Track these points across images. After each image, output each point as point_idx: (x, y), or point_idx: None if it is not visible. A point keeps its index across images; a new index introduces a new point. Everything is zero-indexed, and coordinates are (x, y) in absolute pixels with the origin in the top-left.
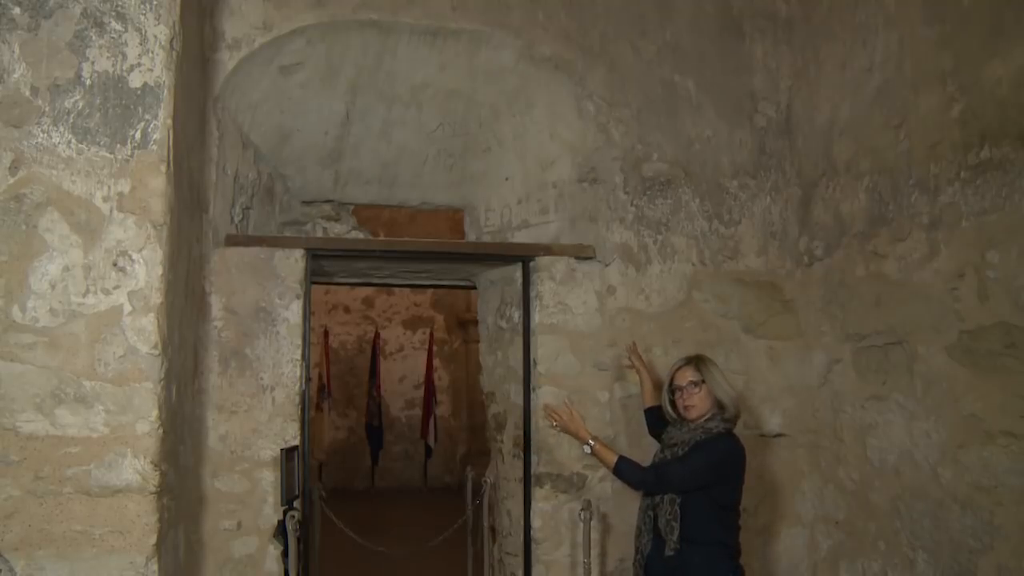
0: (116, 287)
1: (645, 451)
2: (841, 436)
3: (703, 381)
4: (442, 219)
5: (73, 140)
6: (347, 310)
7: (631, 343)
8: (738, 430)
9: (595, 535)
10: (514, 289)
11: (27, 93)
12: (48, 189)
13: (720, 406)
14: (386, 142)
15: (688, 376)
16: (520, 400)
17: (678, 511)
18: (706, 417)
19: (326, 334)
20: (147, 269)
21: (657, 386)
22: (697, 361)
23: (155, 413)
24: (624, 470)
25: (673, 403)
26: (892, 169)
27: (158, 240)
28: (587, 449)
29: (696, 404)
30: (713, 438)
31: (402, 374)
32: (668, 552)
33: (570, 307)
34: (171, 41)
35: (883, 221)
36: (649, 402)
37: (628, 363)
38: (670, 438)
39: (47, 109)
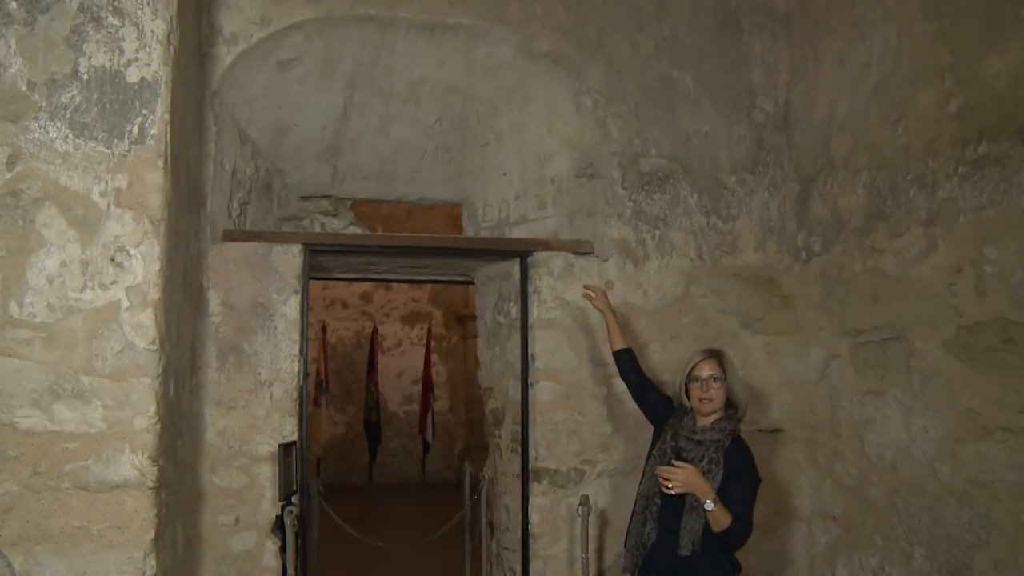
0: (114, 282)
1: (642, 447)
2: (839, 431)
3: (724, 377)
4: (440, 214)
5: (70, 135)
6: (345, 305)
7: (594, 286)
8: None
9: (593, 530)
10: (512, 284)
11: (24, 88)
12: (45, 184)
13: (732, 405)
14: (384, 137)
15: (709, 370)
16: (518, 395)
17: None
18: (717, 415)
19: (324, 329)
20: (145, 264)
21: (622, 329)
22: (720, 356)
23: (153, 409)
24: (738, 531)
25: (687, 393)
26: (890, 164)
27: (156, 235)
28: (709, 506)
29: (714, 399)
30: (734, 444)
31: (400, 369)
32: (683, 552)
33: (568, 302)
34: (168, 36)
35: (881, 216)
36: (618, 344)
37: (590, 296)
38: (687, 432)
39: (44, 104)
